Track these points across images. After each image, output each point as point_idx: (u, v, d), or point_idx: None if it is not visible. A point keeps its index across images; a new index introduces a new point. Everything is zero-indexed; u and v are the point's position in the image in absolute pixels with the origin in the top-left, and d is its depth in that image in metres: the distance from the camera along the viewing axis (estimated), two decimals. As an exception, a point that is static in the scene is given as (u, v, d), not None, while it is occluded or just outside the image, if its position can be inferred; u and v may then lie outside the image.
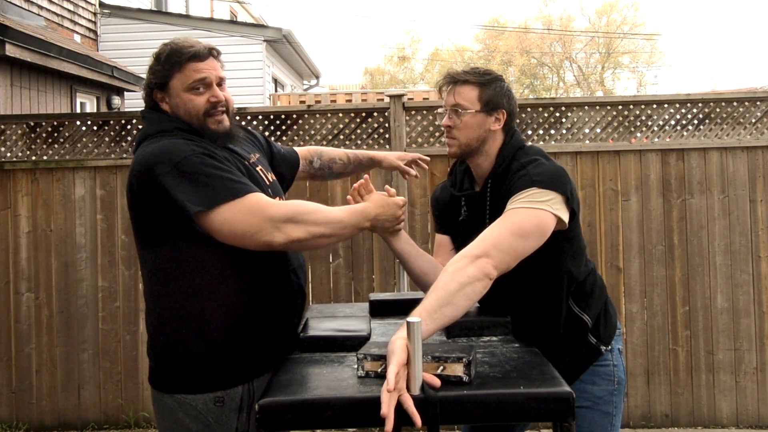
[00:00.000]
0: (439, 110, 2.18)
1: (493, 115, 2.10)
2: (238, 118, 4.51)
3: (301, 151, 2.48)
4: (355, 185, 2.15)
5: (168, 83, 1.95)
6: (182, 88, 1.94)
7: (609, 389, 2.17)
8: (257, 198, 1.84)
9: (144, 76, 2.07)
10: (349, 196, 2.14)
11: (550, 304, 2.09)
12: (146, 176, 1.83)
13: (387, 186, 2.17)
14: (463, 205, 2.20)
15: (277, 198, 2.04)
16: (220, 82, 1.98)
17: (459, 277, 1.75)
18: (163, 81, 1.96)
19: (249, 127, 2.32)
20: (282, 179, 2.30)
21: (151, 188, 1.82)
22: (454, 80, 2.11)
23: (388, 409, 1.45)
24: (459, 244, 1.97)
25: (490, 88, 2.09)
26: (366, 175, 2.17)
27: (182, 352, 1.90)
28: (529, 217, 1.90)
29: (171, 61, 1.94)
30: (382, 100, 7.81)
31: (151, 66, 1.98)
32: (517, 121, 4.39)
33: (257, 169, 2.07)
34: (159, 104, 1.99)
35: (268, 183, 2.07)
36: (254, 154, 2.12)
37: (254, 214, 1.80)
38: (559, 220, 1.94)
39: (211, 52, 1.97)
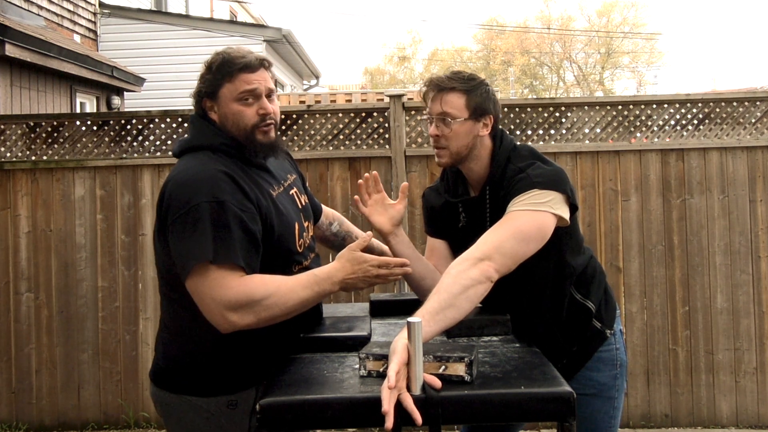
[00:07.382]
0: (424, 117, 2.14)
1: (481, 121, 2.07)
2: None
3: (325, 209, 2.43)
4: (361, 182, 2.17)
5: (217, 92, 1.95)
6: (231, 98, 1.94)
7: (612, 374, 2.20)
8: (224, 274, 1.76)
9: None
10: (356, 196, 2.16)
11: (553, 296, 2.11)
12: (181, 208, 1.82)
13: (364, 234, 2.01)
14: (461, 212, 2.18)
15: (307, 223, 2.07)
16: (270, 93, 1.98)
17: (462, 279, 1.77)
18: (212, 90, 1.96)
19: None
20: None
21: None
22: (439, 87, 2.06)
23: (388, 406, 1.46)
24: (458, 249, 1.97)
25: (476, 93, 2.05)
26: (374, 172, 2.18)
27: (195, 355, 1.91)
28: (531, 220, 1.91)
29: (222, 71, 1.94)
30: (382, 100, 7.81)
31: (202, 74, 1.99)
32: (517, 121, 4.42)
33: (291, 192, 2.07)
34: (208, 113, 1.99)
35: (300, 206, 2.08)
36: (291, 175, 2.14)
37: (211, 291, 1.76)
38: (560, 218, 1.96)
39: (263, 63, 1.97)
